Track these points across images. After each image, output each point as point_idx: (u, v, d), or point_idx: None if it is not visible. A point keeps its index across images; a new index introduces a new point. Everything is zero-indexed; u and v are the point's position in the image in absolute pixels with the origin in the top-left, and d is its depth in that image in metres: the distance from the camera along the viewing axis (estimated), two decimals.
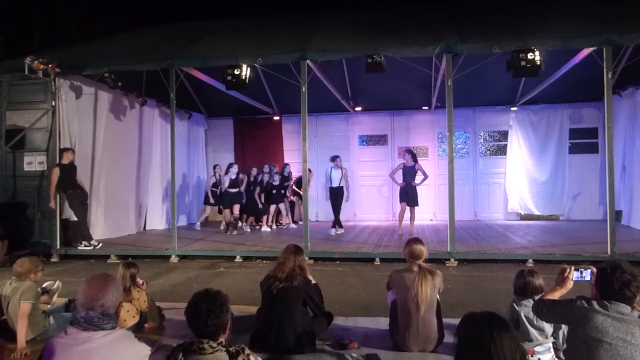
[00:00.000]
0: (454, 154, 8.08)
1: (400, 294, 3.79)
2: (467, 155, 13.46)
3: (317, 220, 13.57)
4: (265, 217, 11.90)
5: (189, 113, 13.22)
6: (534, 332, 3.43)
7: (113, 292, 2.22)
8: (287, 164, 12.41)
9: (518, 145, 12.98)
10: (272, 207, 11.85)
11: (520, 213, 12.98)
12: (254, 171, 12.14)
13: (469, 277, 6.82)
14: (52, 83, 8.96)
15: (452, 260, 7.69)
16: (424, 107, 13.29)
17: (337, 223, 10.64)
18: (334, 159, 10.73)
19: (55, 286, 5.05)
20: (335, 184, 10.65)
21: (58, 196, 8.79)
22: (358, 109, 13.46)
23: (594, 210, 12.58)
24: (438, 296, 3.83)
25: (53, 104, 9.02)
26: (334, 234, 10.36)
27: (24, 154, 9.29)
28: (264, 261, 8.20)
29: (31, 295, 4.12)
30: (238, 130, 14.33)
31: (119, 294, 2.27)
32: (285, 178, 12.01)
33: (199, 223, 11.97)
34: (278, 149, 13.91)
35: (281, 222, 12.24)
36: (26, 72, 8.41)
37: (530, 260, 7.49)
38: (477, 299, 5.61)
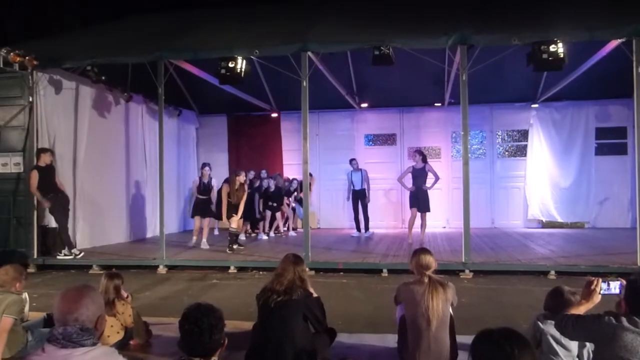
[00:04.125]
0: (469, 155, 8.08)
1: (409, 309, 3.78)
2: (483, 156, 13.45)
3: (318, 228, 13.57)
4: (262, 225, 11.91)
5: (179, 110, 13.25)
6: (561, 351, 3.39)
7: (89, 304, 2.19)
8: (294, 179, 12.48)
9: (539, 145, 12.96)
10: (268, 213, 11.88)
11: (542, 220, 12.96)
12: (251, 174, 12.16)
13: (485, 290, 6.79)
14: (30, 77, 8.97)
15: (467, 271, 7.68)
16: (436, 104, 13.29)
17: (359, 225, 11.71)
18: (351, 161, 11.63)
19: (23, 299, 5.04)
20: (357, 187, 11.53)
21: (35, 200, 8.80)
22: (364, 105, 13.47)
23: (623, 217, 12.56)
24: (451, 311, 3.82)
25: (30, 99, 9.03)
26: (368, 235, 11.57)
27: None
28: (261, 272, 8.18)
29: (15, 310, 4.14)
30: (232, 129, 14.36)
31: (97, 307, 2.25)
32: (288, 191, 12.21)
33: (194, 239, 10.33)
34: (276, 149, 13.92)
35: (279, 229, 12.24)
36: (1, 65, 8.43)
37: (553, 272, 7.47)
38: (494, 314, 5.59)
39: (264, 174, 12.11)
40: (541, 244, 9.84)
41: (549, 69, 8.20)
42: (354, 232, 11.84)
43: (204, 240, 10.03)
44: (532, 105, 12.96)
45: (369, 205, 11.85)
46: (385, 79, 11.60)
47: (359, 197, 11.61)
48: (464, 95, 7.83)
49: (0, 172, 9.27)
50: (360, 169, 11.62)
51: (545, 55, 7.40)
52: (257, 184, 11.93)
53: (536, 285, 6.78)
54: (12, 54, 8.40)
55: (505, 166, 13.37)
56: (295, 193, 12.39)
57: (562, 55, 7.36)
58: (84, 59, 8.74)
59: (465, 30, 7.84)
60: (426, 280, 3.75)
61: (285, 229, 12.40)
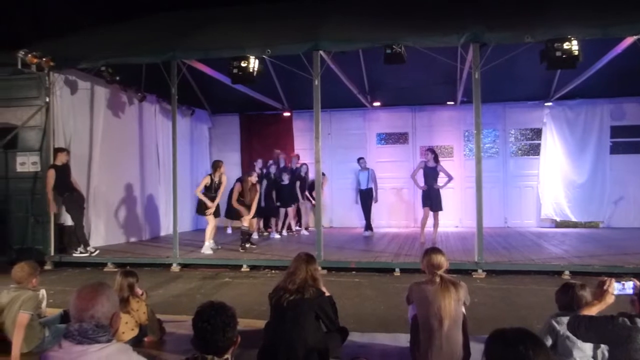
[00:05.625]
0: (482, 153, 8.03)
1: (421, 309, 3.77)
2: (496, 155, 13.37)
3: (331, 227, 13.57)
4: (274, 222, 11.92)
5: (192, 109, 13.33)
6: (576, 352, 3.36)
7: (104, 302, 2.23)
8: (304, 164, 12.40)
9: (553, 144, 12.85)
10: (282, 211, 11.88)
11: (556, 219, 12.85)
12: (259, 163, 12.11)
13: (498, 290, 6.77)
14: (46, 78, 9.10)
15: (480, 271, 7.64)
16: (448, 103, 13.23)
17: (368, 226, 11.67)
18: (358, 160, 11.60)
19: (40, 296, 5.11)
20: (363, 186, 11.47)
21: (53, 200, 8.90)
22: (376, 104, 13.44)
23: (638, 217, 12.40)
24: (464, 310, 3.80)
25: (47, 100, 9.16)
26: (368, 235, 11.49)
27: (17, 154, 9.45)
28: (273, 271, 8.22)
29: (31, 306, 4.22)
30: (245, 128, 14.40)
31: (111, 304, 2.28)
32: (300, 177, 12.06)
33: (213, 242, 9.52)
34: (288, 148, 13.94)
35: (291, 228, 12.25)
36: (19, 67, 8.54)
37: (567, 272, 7.41)
38: (507, 314, 5.58)
39: (270, 163, 12.08)
40: (555, 244, 9.77)
41: (562, 67, 8.12)
42: (365, 232, 11.78)
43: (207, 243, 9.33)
44: (546, 104, 12.84)
45: (375, 206, 11.84)
46: (397, 78, 11.56)
47: (365, 197, 11.56)
48: (477, 94, 7.79)
49: (19, 171, 9.43)
50: (368, 168, 11.59)
51: (558, 53, 7.33)
52: (265, 172, 11.84)
53: (550, 286, 6.69)
54: (29, 55, 8.53)
55: (518, 165, 13.27)
56: (307, 192, 12.28)
57: (576, 53, 7.29)
58: (98, 59, 8.82)
59: (478, 28, 7.78)
60: (438, 280, 3.74)
61: (298, 227, 12.41)
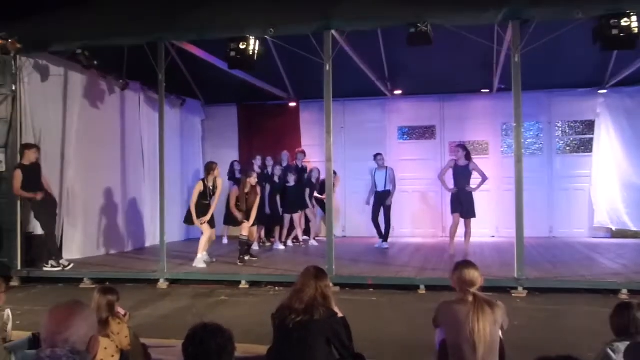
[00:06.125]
0: (523, 150, 8.01)
1: (451, 333, 3.77)
2: (539, 152, 13.35)
3: (344, 236, 13.58)
4: (278, 231, 11.95)
5: (182, 99, 13.40)
6: None
7: (80, 324, 2.23)
8: (315, 169, 12.37)
9: (608, 139, 12.79)
10: (287, 217, 11.90)
11: (611, 228, 12.79)
12: (258, 161, 12.14)
13: (542, 312, 6.76)
14: (13, 62, 9.18)
15: (520, 289, 7.62)
16: (483, 91, 13.21)
17: (380, 231, 11.54)
18: (375, 157, 11.44)
19: (5, 316, 5.14)
20: (380, 188, 11.30)
21: (20, 204, 8.98)
22: (397, 92, 13.43)
23: None
24: (501, 335, 3.80)
25: (14, 88, 9.24)
26: (385, 246, 11.35)
27: None
28: (277, 287, 8.24)
29: None
30: (244, 121, 14.45)
31: (89, 327, 2.28)
32: (311, 184, 12.15)
33: (207, 255, 9.67)
34: (295, 145, 13.96)
35: (297, 238, 12.28)
36: None
37: (625, 291, 7.36)
38: (552, 340, 5.57)
39: (268, 161, 12.16)
40: (610, 257, 9.72)
41: (619, 48, 8.07)
42: (379, 242, 11.60)
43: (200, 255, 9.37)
44: (600, 91, 12.78)
45: (397, 211, 11.82)
46: (422, 62, 11.55)
47: (382, 200, 11.45)
48: (517, 80, 7.77)
49: None
50: (386, 167, 11.54)
51: (615, 31, 7.26)
52: (267, 172, 11.93)
53: (604, 307, 6.60)
54: None
55: (566, 164, 13.22)
56: (317, 194, 12.28)
57: (636, 31, 7.23)
58: (73, 41, 8.91)
59: (519, 2, 7.76)
60: (471, 298, 3.73)
61: (305, 237, 12.41)
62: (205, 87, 13.99)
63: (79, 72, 10.08)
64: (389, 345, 5.45)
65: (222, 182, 9.63)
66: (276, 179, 11.90)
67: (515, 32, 7.77)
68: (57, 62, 9.77)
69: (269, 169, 12.11)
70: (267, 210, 11.53)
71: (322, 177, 11.93)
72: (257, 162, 12.08)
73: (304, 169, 12.54)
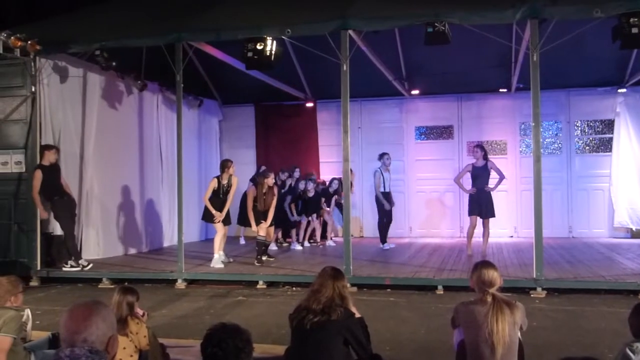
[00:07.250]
0: (542, 150, 7.96)
1: (469, 333, 3.76)
2: (558, 152, 13.26)
3: (361, 237, 13.57)
4: (295, 232, 11.97)
5: (200, 99, 13.47)
6: None
7: (99, 323, 2.24)
8: (334, 179, 12.35)
9: (628, 138, 12.69)
10: (305, 220, 11.91)
11: (631, 228, 12.68)
12: (284, 175, 12.20)
13: (561, 312, 6.72)
14: (32, 64, 9.26)
15: (539, 289, 7.57)
16: (501, 90, 13.15)
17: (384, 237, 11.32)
18: (380, 157, 11.23)
19: (25, 316, 5.19)
20: (388, 189, 11.24)
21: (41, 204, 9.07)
22: (415, 92, 13.40)
23: None
24: (520, 336, 3.78)
25: (33, 89, 9.31)
26: (387, 247, 11.14)
27: None
28: (294, 288, 8.25)
29: (13, 328, 4.24)
30: (261, 121, 14.50)
31: (108, 326, 2.29)
32: (327, 193, 12.15)
33: (224, 254, 9.66)
34: (312, 145, 13.99)
35: (315, 238, 12.30)
36: (0, 51, 8.71)
37: None
38: (572, 341, 5.54)
39: (297, 173, 12.14)
40: (630, 257, 9.64)
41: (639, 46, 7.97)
42: (386, 245, 11.35)
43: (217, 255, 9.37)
44: (619, 90, 12.68)
45: (414, 211, 11.80)
46: (440, 61, 11.53)
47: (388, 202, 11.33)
48: (535, 79, 7.71)
49: (0, 172, 9.58)
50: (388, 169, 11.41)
51: (635, 30, 7.21)
52: (288, 183, 11.98)
53: (624, 307, 6.55)
54: (12, 38, 8.64)
55: (585, 163, 13.13)
56: (336, 196, 12.26)
57: None
58: (92, 42, 8.96)
59: (537, 1, 7.70)
60: (489, 299, 3.72)
61: (323, 238, 12.42)
62: (222, 87, 14.06)
63: (98, 73, 10.15)
64: (407, 346, 5.44)
65: (237, 180, 9.64)
66: (299, 191, 11.82)
67: (533, 30, 7.72)
68: (76, 63, 9.84)
69: (290, 182, 12.05)
70: (291, 218, 11.68)
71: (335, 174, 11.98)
72: (282, 176, 12.06)
73: (332, 192, 12.40)
